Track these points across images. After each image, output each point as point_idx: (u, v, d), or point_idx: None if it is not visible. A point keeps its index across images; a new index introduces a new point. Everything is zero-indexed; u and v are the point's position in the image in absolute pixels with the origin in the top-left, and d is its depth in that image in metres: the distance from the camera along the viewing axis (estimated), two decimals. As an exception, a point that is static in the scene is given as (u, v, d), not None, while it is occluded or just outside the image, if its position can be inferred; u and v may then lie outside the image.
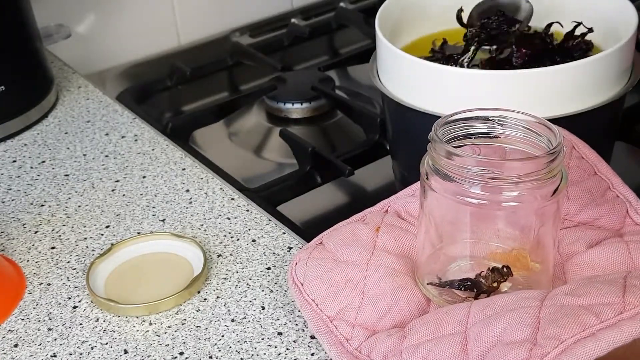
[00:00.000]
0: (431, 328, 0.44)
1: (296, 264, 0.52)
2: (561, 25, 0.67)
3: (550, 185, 0.44)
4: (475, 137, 0.47)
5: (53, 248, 0.60)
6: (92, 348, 0.50)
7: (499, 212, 0.46)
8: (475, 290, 0.47)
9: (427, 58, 0.69)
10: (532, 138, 0.46)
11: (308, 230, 0.59)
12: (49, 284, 0.56)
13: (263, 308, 0.52)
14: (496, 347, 0.40)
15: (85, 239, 0.60)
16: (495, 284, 0.47)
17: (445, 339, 0.42)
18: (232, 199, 0.63)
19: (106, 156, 0.70)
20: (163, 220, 0.62)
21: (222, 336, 0.50)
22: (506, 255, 0.48)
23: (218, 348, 0.49)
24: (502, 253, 0.48)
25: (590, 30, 0.66)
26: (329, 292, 0.50)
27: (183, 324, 0.52)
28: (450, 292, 0.48)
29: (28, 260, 0.58)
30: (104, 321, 0.52)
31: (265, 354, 0.49)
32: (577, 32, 0.66)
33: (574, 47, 0.66)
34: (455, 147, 0.46)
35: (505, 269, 0.47)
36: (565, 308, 0.40)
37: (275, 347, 0.49)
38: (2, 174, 0.69)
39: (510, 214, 0.46)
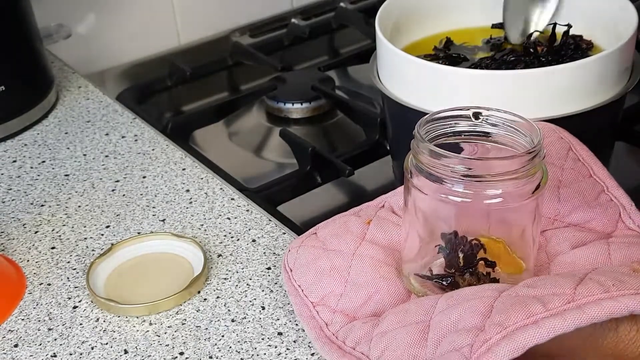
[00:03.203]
0: (400, 317, 0.45)
1: (289, 251, 0.54)
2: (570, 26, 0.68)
3: (530, 184, 0.45)
4: (458, 135, 0.48)
5: (53, 248, 0.60)
6: (92, 348, 0.50)
7: (481, 210, 0.46)
8: (453, 288, 0.47)
9: (428, 56, 0.69)
10: (515, 137, 0.46)
11: (308, 230, 0.59)
12: (49, 284, 0.56)
13: (263, 308, 0.52)
14: (450, 334, 0.41)
15: (85, 239, 0.60)
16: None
17: (409, 327, 0.43)
18: (232, 199, 0.63)
19: (106, 156, 0.70)
20: (163, 220, 0.62)
21: (222, 336, 0.50)
22: (492, 244, 0.48)
23: (218, 348, 0.49)
24: (488, 240, 0.48)
25: (569, 26, 0.67)
26: (314, 279, 0.51)
27: (183, 324, 0.52)
28: (431, 286, 0.48)
29: (28, 260, 0.58)
30: (104, 321, 0.52)
31: (265, 354, 0.49)
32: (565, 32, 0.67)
33: (563, 47, 0.66)
34: (439, 145, 0.46)
35: (483, 273, 0.47)
36: (518, 297, 0.41)
37: (275, 347, 0.49)
38: (2, 174, 0.69)
39: (492, 211, 0.46)
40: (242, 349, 0.49)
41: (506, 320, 0.39)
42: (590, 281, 0.40)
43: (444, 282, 0.48)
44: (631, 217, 0.52)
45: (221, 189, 0.65)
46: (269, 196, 0.68)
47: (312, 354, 0.48)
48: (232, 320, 0.51)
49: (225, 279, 0.55)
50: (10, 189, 0.67)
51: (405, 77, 0.64)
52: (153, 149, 0.71)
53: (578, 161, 0.55)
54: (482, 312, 0.41)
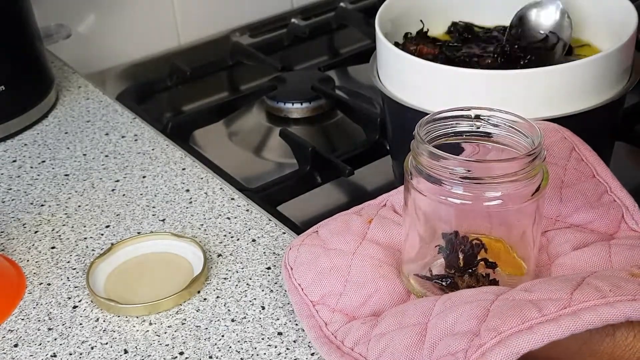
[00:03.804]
0: (398, 318, 0.45)
1: (290, 249, 0.54)
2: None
3: (530, 186, 0.45)
4: (458, 136, 0.48)
5: (53, 248, 0.60)
6: (92, 348, 0.50)
7: (481, 211, 0.46)
8: (453, 289, 0.47)
9: (439, 43, 0.70)
10: (516, 137, 0.46)
11: (308, 229, 0.59)
12: (49, 284, 0.56)
13: (263, 308, 0.52)
14: (446, 338, 0.41)
15: (85, 238, 0.60)
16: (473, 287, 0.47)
17: (407, 329, 0.43)
18: (232, 198, 0.63)
19: (106, 156, 0.70)
20: (163, 220, 0.62)
21: (222, 336, 0.50)
22: (492, 243, 0.48)
23: (218, 348, 0.49)
24: (488, 240, 0.48)
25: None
26: (314, 278, 0.51)
27: (183, 324, 0.52)
28: (430, 287, 0.48)
29: (28, 260, 0.58)
30: (104, 321, 0.52)
31: (265, 354, 0.49)
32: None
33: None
34: (440, 145, 0.46)
35: (483, 275, 0.47)
36: (514, 302, 0.41)
37: (275, 347, 0.49)
38: (2, 174, 0.69)
39: (492, 212, 0.46)
40: (242, 348, 0.49)
41: (501, 325, 0.39)
42: (587, 286, 0.40)
43: (444, 283, 0.48)
44: (634, 218, 0.52)
45: (221, 188, 0.65)
46: (268, 196, 0.68)
47: (312, 354, 0.48)
48: (232, 320, 0.51)
49: (225, 278, 0.55)
50: (10, 189, 0.67)
51: (405, 77, 0.64)
52: (153, 149, 0.71)
53: (581, 161, 0.55)
54: (478, 316, 0.41)
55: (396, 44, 0.70)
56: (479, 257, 0.47)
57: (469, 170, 0.44)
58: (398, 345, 0.43)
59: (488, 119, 0.47)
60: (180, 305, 0.53)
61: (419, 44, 0.70)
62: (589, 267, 0.49)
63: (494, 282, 0.47)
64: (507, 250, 0.48)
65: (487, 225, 0.48)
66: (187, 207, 0.63)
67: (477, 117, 0.47)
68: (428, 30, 0.72)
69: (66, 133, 0.75)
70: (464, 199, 0.44)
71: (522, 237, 0.47)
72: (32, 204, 0.65)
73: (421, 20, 0.72)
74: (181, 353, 0.49)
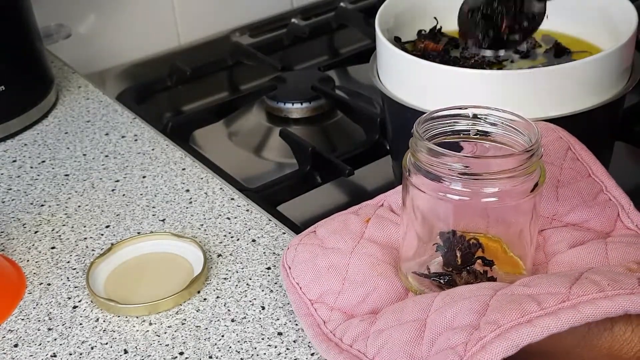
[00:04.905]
0: (396, 315, 0.45)
1: (288, 249, 0.54)
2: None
3: (528, 182, 0.45)
4: (456, 134, 0.48)
5: (53, 248, 0.60)
6: (92, 348, 0.50)
7: (479, 208, 0.46)
8: (451, 286, 0.47)
9: (451, 42, 0.69)
10: (514, 136, 0.47)
11: (308, 230, 0.59)
12: (49, 284, 0.56)
13: (263, 308, 0.52)
14: (445, 332, 0.41)
15: (85, 239, 0.60)
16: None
17: (406, 324, 0.44)
18: (232, 199, 0.63)
19: (106, 156, 0.70)
20: (163, 220, 0.62)
21: (222, 336, 0.50)
22: (490, 243, 0.48)
23: (218, 348, 0.49)
24: (485, 239, 0.48)
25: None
26: (312, 277, 0.51)
27: (183, 324, 0.52)
28: (429, 284, 0.49)
29: (28, 260, 0.59)
30: (104, 321, 0.52)
31: (265, 354, 0.49)
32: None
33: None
34: (438, 144, 0.46)
35: (481, 272, 0.47)
36: (513, 296, 0.41)
37: (275, 347, 0.49)
38: (2, 174, 0.69)
39: (490, 210, 0.47)
40: (242, 349, 0.49)
41: (501, 318, 0.39)
42: (585, 280, 0.41)
43: (442, 281, 0.48)
44: (630, 216, 0.52)
45: (221, 189, 0.65)
46: (268, 196, 0.68)
47: (312, 354, 0.48)
48: (232, 320, 0.51)
49: (225, 278, 0.55)
50: (10, 189, 0.67)
51: (405, 77, 0.64)
52: (153, 149, 0.71)
53: (577, 161, 0.55)
54: (478, 310, 0.41)
55: (396, 39, 0.70)
56: (476, 255, 0.47)
57: (467, 167, 0.44)
58: (397, 341, 0.43)
59: (485, 118, 0.47)
60: (180, 305, 0.53)
61: (426, 40, 0.70)
62: (585, 265, 0.49)
63: (492, 280, 0.47)
64: (504, 250, 0.48)
65: (485, 224, 0.48)
66: (187, 207, 0.63)
67: (475, 116, 0.47)
68: (441, 27, 0.72)
69: (66, 133, 0.75)
70: (462, 195, 0.45)
71: (520, 236, 0.48)
72: (32, 204, 0.65)
73: (435, 18, 0.72)
74: (181, 353, 0.49)
